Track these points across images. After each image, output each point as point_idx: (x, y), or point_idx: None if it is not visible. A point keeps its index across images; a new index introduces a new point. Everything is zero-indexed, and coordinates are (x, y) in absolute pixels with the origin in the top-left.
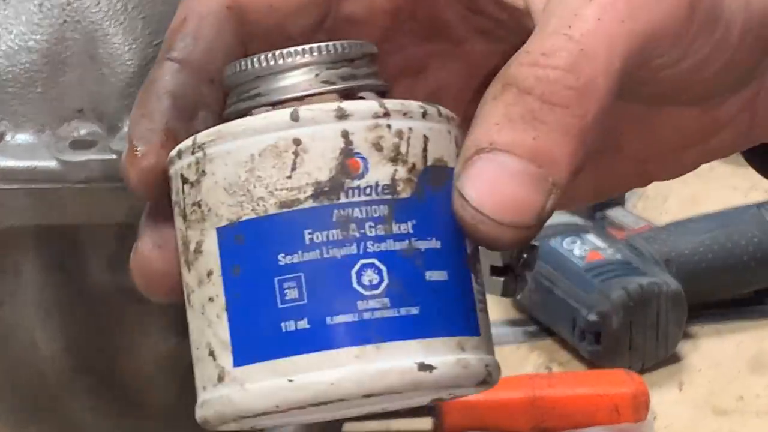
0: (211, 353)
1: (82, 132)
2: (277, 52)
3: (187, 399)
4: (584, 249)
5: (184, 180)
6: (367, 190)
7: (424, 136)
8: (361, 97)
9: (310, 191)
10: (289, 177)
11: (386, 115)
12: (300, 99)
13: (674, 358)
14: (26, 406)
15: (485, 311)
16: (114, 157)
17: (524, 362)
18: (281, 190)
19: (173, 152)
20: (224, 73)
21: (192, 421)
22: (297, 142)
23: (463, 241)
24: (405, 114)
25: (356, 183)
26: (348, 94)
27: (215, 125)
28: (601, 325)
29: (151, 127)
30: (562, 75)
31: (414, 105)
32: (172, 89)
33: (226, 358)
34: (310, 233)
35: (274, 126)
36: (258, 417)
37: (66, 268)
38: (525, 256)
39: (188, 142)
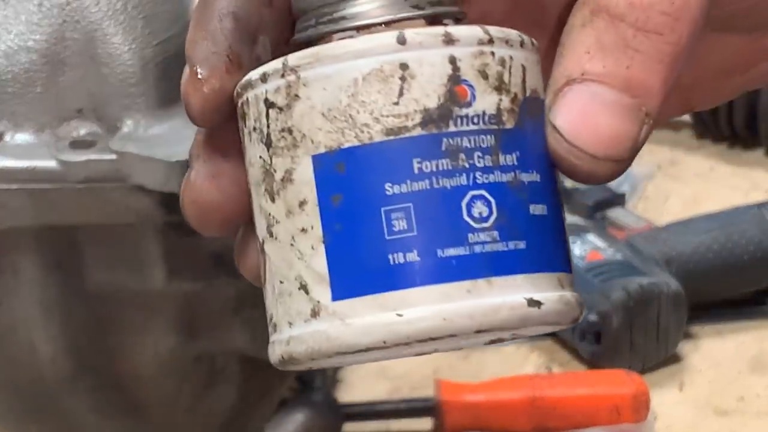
0: (303, 287)
1: (82, 132)
2: None
3: (187, 399)
4: (584, 249)
5: (270, 105)
6: (475, 119)
7: (522, 65)
8: (445, 24)
9: (418, 118)
10: (396, 103)
11: (490, 42)
12: (388, 24)
13: (674, 358)
14: (26, 406)
15: (570, 248)
16: (114, 157)
17: (524, 362)
18: (388, 116)
19: (254, 75)
20: None
21: (192, 420)
22: (404, 66)
23: (556, 174)
24: (507, 42)
25: (464, 111)
26: (433, 20)
27: (276, 50)
28: (601, 325)
29: (215, 49)
30: (656, 0)
31: (513, 33)
32: (234, 9)
33: (322, 292)
34: (419, 162)
35: (380, 49)
36: (358, 353)
37: (66, 268)
38: None
39: (276, 64)
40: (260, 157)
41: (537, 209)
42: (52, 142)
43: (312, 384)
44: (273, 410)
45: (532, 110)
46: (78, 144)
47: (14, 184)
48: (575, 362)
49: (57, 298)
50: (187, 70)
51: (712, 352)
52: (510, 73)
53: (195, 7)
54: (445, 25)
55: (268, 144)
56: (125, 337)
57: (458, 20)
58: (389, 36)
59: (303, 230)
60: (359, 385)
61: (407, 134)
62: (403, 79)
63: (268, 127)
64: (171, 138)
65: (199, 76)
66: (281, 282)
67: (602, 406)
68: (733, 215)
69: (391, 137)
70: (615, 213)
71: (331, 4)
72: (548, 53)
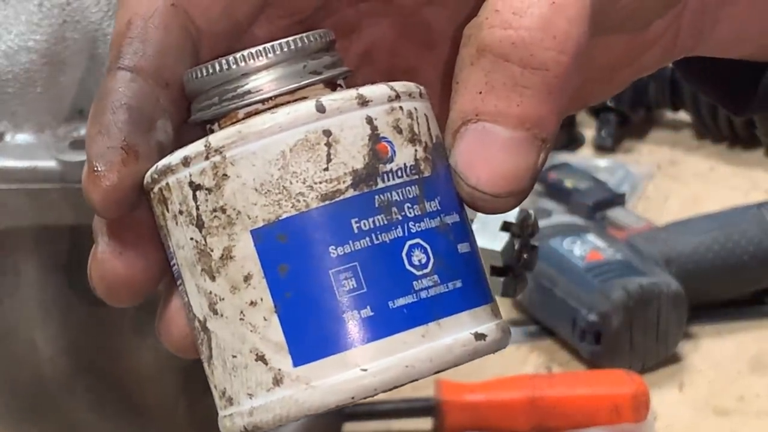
0: (260, 357)
1: (82, 132)
2: (261, 48)
3: (187, 399)
4: (584, 249)
5: (197, 187)
6: (399, 173)
7: (425, 114)
8: (340, 85)
9: (349, 180)
10: (326, 168)
11: (397, 97)
12: (291, 92)
13: (674, 358)
14: (26, 406)
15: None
16: None
17: (524, 362)
18: (320, 182)
19: (173, 160)
20: (195, 75)
21: (192, 420)
22: (327, 133)
23: (466, 212)
24: (410, 95)
25: (388, 167)
26: (330, 83)
27: (175, 132)
28: (601, 325)
29: (110, 143)
30: (537, 36)
31: (412, 86)
32: (127, 101)
33: (282, 360)
34: (356, 221)
35: (302, 120)
36: (327, 411)
37: (66, 268)
38: (525, 256)
39: (198, 147)
40: (191, 239)
41: (463, 247)
42: (52, 142)
43: None
44: None
45: (440, 156)
46: (78, 144)
47: (14, 184)
48: (575, 362)
49: (57, 298)
50: (86, 165)
51: (712, 352)
52: (418, 123)
53: (93, 102)
54: (339, 86)
55: (200, 225)
56: (125, 337)
57: (345, 78)
58: (308, 105)
59: (252, 303)
60: None
61: (341, 197)
62: (328, 145)
63: (197, 209)
64: None
65: (97, 172)
66: (234, 356)
67: (602, 406)
68: (733, 215)
69: (327, 202)
70: (615, 213)
71: (232, 80)
72: (443, 72)
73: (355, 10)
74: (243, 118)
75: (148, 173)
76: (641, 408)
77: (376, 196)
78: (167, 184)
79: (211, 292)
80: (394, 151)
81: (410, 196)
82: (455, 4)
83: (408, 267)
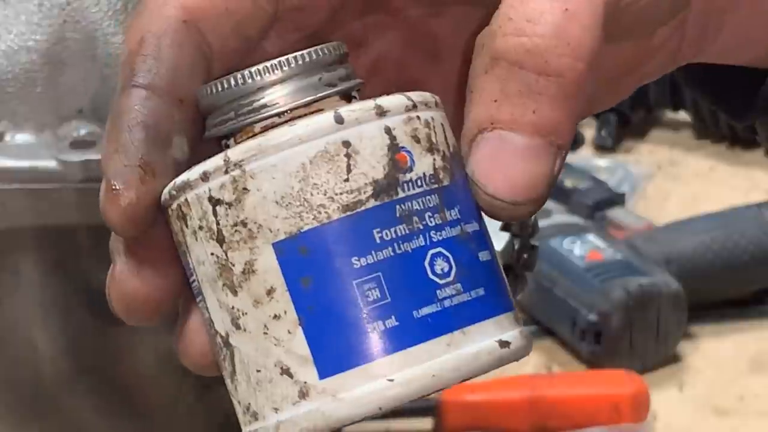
0: (285, 371)
1: (82, 132)
2: (276, 62)
3: (187, 399)
4: (584, 249)
5: (217, 202)
6: (419, 182)
7: (442, 124)
8: (354, 96)
9: (370, 191)
10: (347, 180)
11: (414, 107)
12: (307, 105)
13: (674, 358)
14: (26, 406)
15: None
16: None
17: (524, 362)
18: (341, 193)
19: (192, 176)
20: (210, 91)
21: (192, 420)
22: (347, 144)
23: (484, 221)
24: (426, 105)
25: (408, 176)
26: (345, 95)
27: (191, 149)
28: (601, 325)
29: (128, 162)
30: (551, 43)
31: (428, 95)
32: (143, 119)
33: (307, 373)
34: (378, 232)
35: (321, 131)
36: (355, 423)
37: (66, 268)
38: (525, 256)
39: (217, 161)
40: (212, 254)
41: (484, 256)
42: (52, 142)
43: None
44: None
45: (457, 165)
46: (78, 144)
47: (14, 184)
48: (575, 362)
49: (57, 298)
50: (103, 184)
51: (711, 352)
52: (435, 132)
53: (108, 121)
54: (354, 97)
55: (221, 240)
56: (125, 337)
57: (359, 90)
58: (327, 117)
59: (276, 317)
60: None
61: (363, 207)
62: (348, 156)
63: (217, 224)
64: None
65: (115, 190)
66: (258, 371)
67: (602, 406)
68: (733, 215)
69: (349, 213)
70: (615, 213)
71: (247, 95)
72: (451, 84)
73: (362, 24)
74: (259, 132)
75: (166, 190)
76: (641, 408)
77: (397, 206)
78: (186, 200)
79: (233, 307)
80: (413, 161)
81: (430, 205)
82: (462, 15)
83: (431, 276)
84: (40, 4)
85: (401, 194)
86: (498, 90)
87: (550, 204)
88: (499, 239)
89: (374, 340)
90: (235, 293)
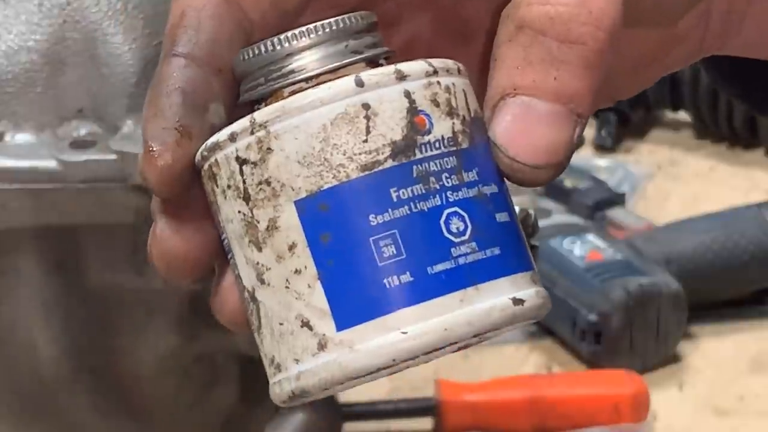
0: (306, 324)
1: (82, 132)
2: (304, 29)
3: (187, 399)
4: (584, 249)
5: (243, 161)
6: (437, 144)
7: (463, 90)
8: (381, 63)
9: (388, 151)
10: (366, 141)
11: (435, 72)
12: (333, 71)
13: (674, 358)
14: (26, 406)
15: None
16: (114, 157)
17: (524, 362)
18: (360, 154)
19: (221, 136)
20: (243, 57)
21: (192, 420)
22: (366, 106)
23: (505, 183)
24: (447, 71)
25: (426, 138)
26: (371, 62)
27: (228, 115)
28: (601, 325)
29: (165, 125)
30: (575, 11)
31: (450, 62)
32: (181, 85)
33: (326, 325)
34: (395, 191)
35: (342, 94)
36: (370, 375)
37: (66, 268)
38: None
39: (244, 123)
40: (239, 212)
41: (502, 217)
42: (52, 142)
43: None
44: (273, 410)
45: (478, 129)
46: (78, 144)
47: (14, 184)
48: (575, 362)
49: (57, 298)
50: (143, 147)
51: (712, 352)
52: (456, 98)
53: (150, 86)
54: (381, 65)
55: (247, 198)
56: (125, 337)
57: (388, 58)
58: (348, 81)
59: (297, 271)
60: (359, 385)
61: (380, 167)
62: (367, 118)
63: (244, 182)
64: None
65: (153, 152)
66: (281, 324)
67: (602, 406)
68: (733, 215)
69: (367, 172)
70: (615, 213)
71: (277, 61)
72: (480, 66)
73: (396, 4)
74: (287, 96)
75: (199, 151)
76: (641, 408)
77: (415, 167)
78: (216, 160)
79: (258, 263)
80: (432, 124)
81: (448, 167)
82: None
83: (446, 234)
84: (40, 4)
85: (419, 155)
86: (521, 57)
87: (550, 204)
88: None
89: (389, 294)
90: (260, 249)
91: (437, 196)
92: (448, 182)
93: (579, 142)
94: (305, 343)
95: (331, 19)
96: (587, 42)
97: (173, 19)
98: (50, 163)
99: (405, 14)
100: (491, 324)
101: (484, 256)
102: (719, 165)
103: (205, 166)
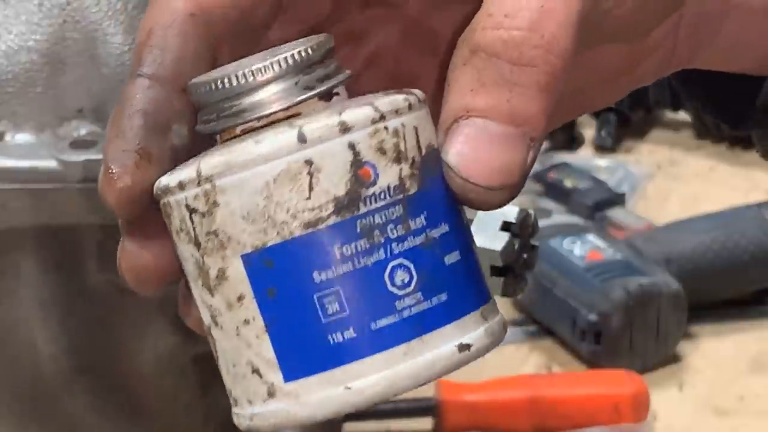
0: (255, 371)
1: (82, 132)
2: (254, 67)
3: (187, 399)
4: (584, 249)
5: (192, 210)
6: (382, 195)
7: (414, 127)
8: (337, 93)
9: (331, 208)
10: (308, 198)
11: (382, 118)
12: (286, 109)
13: (674, 358)
14: (26, 406)
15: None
16: None
17: (524, 362)
18: (303, 211)
19: (171, 182)
20: (193, 90)
21: (191, 420)
22: (309, 162)
23: (462, 215)
24: (396, 112)
25: (371, 190)
26: (325, 96)
27: (190, 135)
28: (601, 325)
29: (125, 147)
30: (527, 35)
31: (400, 99)
32: (143, 107)
33: (274, 375)
34: (339, 248)
35: (284, 151)
36: (319, 422)
37: (66, 268)
38: (525, 256)
39: (191, 172)
40: (192, 255)
41: (451, 258)
42: (52, 142)
43: None
44: None
45: (430, 164)
46: (78, 144)
47: (15, 184)
48: (575, 362)
49: (57, 298)
50: (102, 167)
51: (712, 352)
52: (405, 140)
53: (114, 108)
54: (337, 94)
55: (197, 245)
56: (125, 337)
57: (343, 84)
58: (290, 136)
59: (246, 322)
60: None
61: (324, 224)
62: (310, 174)
63: (194, 230)
64: None
65: (112, 174)
66: (234, 365)
67: (602, 406)
68: (733, 215)
69: (310, 230)
70: (615, 213)
71: (229, 98)
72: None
73: (364, 17)
74: (239, 135)
75: (155, 186)
76: (641, 408)
77: (359, 221)
78: (168, 201)
79: (211, 306)
80: (378, 174)
81: (393, 217)
82: (461, 12)
83: (390, 288)
84: (40, 4)
85: (363, 209)
86: (475, 80)
87: (550, 204)
88: (499, 239)
89: (333, 350)
90: (212, 294)
91: (381, 249)
92: (393, 233)
93: (531, 165)
94: (256, 389)
95: (280, 57)
96: (539, 65)
97: (140, 38)
98: (50, 163)
99: (373, 26)
100: (435, 374)
101: (430, 305)
102: (719, 165)
103: (161, 203)
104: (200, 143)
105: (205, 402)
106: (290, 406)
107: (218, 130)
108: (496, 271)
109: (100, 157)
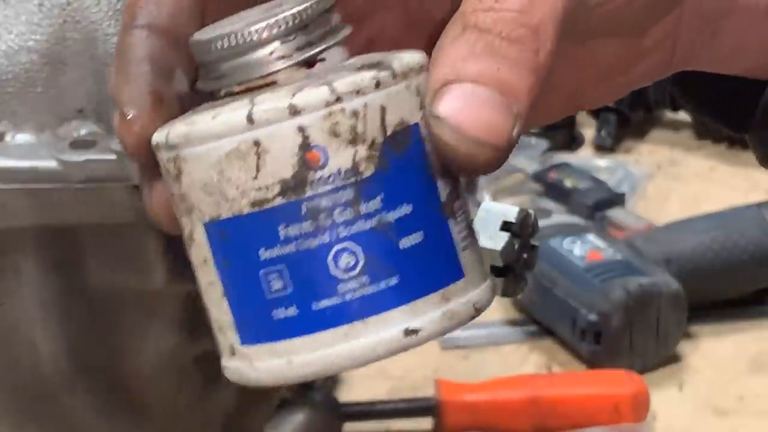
0: (221, 329)
1: (82, 132)
2: (239, 33)
3: (187, 399)
4: (584, 249)
5: (167, 172)
6: (331, 179)
7: (381, 106)
8: (322, 60)
9: (277, 189)
10: (256, 177)
11: (338, 100)
12: (264, 76)
13: (674, 358)
14: (26, 406)
15: (472, 244)
16: (114, 157)
17: (524, 362)
18: (251, 190)
19: (154, 140)
20: (190, 46)
21: (192, 420)
22: (257, 143)
23: (435, 192)
24: (358, 92)
25: (319, 174)
26: (308, 63)
27: (190, 84)
28: (601, 325)
29: (138, 92)
30: (517, 16)
31: (366, 78)
32: (147, 54)
33: (233, 336)
34: (284, 228)
35: (233, 130)
36: (270, 387)
37: (66, 268)
38: (525, 256)
39: (162, 137)
40: (176, 206)
41: (410, 240)
42: (52, 142)
43: (312, 384)
44: (273, 410)
45: (398, 144)
46: (78, 144)
47: (15, 184)
48: (575, 362)
49: (57, 298)
50: (117, 114)
51: (711, 352)
52: (365, 121)
53: (115, 58)
54: (323, 60)
55: (175, 203)
56: (125, 337)
57: (338, 43)
58: (240, 116)
59: (210, 283)
60: (359, 385)
61: (269, 205)
62: (258, 155)
63: (172, 188)
64: None
65: (129, 117)
66: (209, 316)
67: (602, 406)
68: (733, 215)
69: (257, 209)
70: (615, 213)
71: (214, 61)
72: None
73: (364, 0)
74: (223, 96)
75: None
76: (641, 408)
77: (304, 204)
78: (158, 155)
79: (191, 259)
80: (327, 157)
81: (342, 201)
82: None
83: (333, 271)
84: (40, 4)
85: (309, 192)
86: (466, 51)
87: (550, 204)
88: (499, 239)
89: (276, 325)
90: (189, 249)
91: (327, 233)
92: (340, 218)
93: (514, 144)
94: (224, 344)
95: (260, 24)
96: (526, 43)
97: None
98: (50, 163)
99: (374, 10)
100: (377, 356)
101: (377, 289)
102: (719, 165)
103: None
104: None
105: (206, 402)
106: (245, 367)
107: (207, 90)
108: (496, 271)
109: (100, 157)
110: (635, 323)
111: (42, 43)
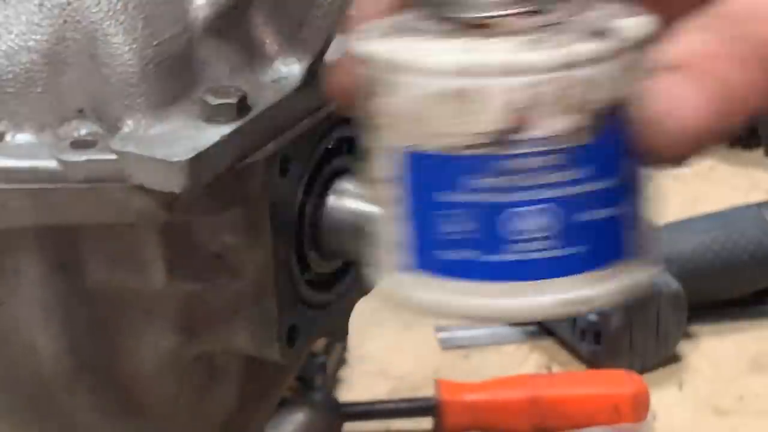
0: (389, 247)
1: (82, 132)
2: None
3: (187, 399)
4: None
5: (377, 82)
6: (535, 142)
7: (598, 81)
8: (551, 10)
9: (477, 140)
10: (457, 122)
11: (567, 66)
12: (497, 17)
13: (674, 358)
14: (27, 406)
15: (652, 227)
16: (114, 157)
17: (524, 362)
18: (448, 134)
19: (375, 50)
20: None
21: (192, 420)
22: (463, 92)
23: (636, 171)
24: (593, 60)
25: (522, 135)
26: (534, 13)
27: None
28: (601, 325)
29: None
30: None
31: (595, 49)
32: None
33: (404, 258)
34: (473, 178)
35: (444, 71)
36: (417, 312)
37: (66, 268)
38: None
39: (383, 52)
40: (374, 116)
41: (605, 212)
42: (52, 142)
43: (312, 384)
44: (273, 410)
45: (612, 118)
46: (78, 144)
47: (15, 184)
48: (575, 362)
49: (58, 298)
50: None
51: (711, 352)
52: (586, 92)
53: None
54: (551, 11)
55: (376, 116)
56: (125, 337)
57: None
58: (454, 61)
59: (398, 200)
60: (359, 385)
61: (465, 152)
62: (463, 102)
63: (376, 95)
64: (171, 138)
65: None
66: (381, 227)
67: (602, 406)
68: (733, 215)
69: (452, 153)
70: None
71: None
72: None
73: None
74: (447, 20)
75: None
76: (641, 408)
77: (500, 161)
78: (371, 63)
79: (374, 167)
80: (534, 120)
81: (549, 164)
82: None
83: (522, 228)
84: (40, 4)
85: (517, 150)
86: (718, 42)
87: None
88: None
89: (444, 263)
90: (375, 160)
91: (528, 191)
92: (544, 180)
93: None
94: (387, 262)
95: None
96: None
97: None
98: (50, 163)
99: None
100: (528, 317)
101: (563, 254)
102: (719, 165)
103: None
104: None
105: (206, 402)
106: (407, 288)
107: (436, 17)
108: None
109: (100, 157)
110: (635, 323)
111: (42, 43)
